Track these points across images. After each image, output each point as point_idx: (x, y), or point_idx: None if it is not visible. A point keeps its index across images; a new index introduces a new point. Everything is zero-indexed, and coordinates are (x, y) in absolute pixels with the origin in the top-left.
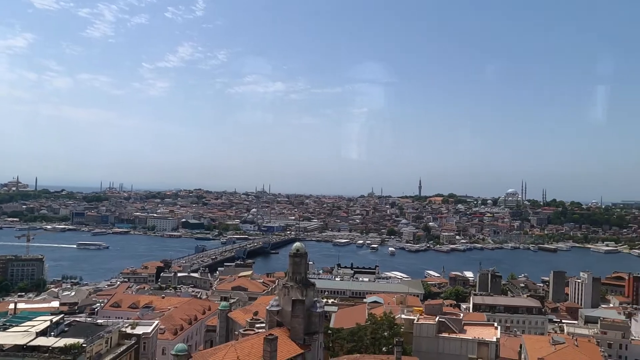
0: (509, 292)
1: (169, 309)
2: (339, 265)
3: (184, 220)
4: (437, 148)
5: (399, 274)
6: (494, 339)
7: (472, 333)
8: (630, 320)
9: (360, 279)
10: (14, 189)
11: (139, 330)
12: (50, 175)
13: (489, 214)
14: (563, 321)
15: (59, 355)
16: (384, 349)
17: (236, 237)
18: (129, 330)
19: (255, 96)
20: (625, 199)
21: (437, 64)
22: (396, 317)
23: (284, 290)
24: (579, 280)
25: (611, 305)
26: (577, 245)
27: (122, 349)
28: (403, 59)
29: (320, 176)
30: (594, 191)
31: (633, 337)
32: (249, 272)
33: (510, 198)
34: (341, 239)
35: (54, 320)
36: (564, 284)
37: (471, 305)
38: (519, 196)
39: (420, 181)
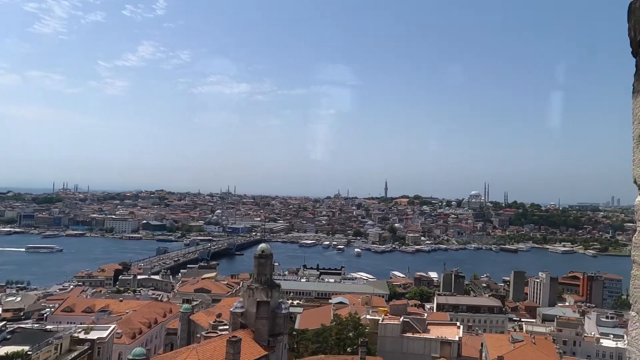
0: (471, 292)
1: (127, 313)
2: (304, 266)
3: (144, 221)
4: (403, 150)
5: (364, 275)
6: (457, 338)
7: (436, 332)
8: (584, 318)
9: (326, 279)
10: None
11: (94, 335)
12: None
13: (453, 216)
14: (522, 320)
15: None
16: (348, 349)
17: (200, 239)
18: (82, 336)
19: (220, 97)
20: (580, 202)
21: (402, 67)
22: (361, 317)
23: (248, 291)
24: (538, 280)
25: (567, 303)
26: (537, 246)
27: (73, 355)
28: (369, 61)
29: (287, 177)
30: (553, 193)
31: (586, 334)
32: (213, 274)
33: (473, 200)
34: (307, 240)
35: None
36: (524, 283)
37: (435, 305)
38: (482, 198)
39: (386, 183)
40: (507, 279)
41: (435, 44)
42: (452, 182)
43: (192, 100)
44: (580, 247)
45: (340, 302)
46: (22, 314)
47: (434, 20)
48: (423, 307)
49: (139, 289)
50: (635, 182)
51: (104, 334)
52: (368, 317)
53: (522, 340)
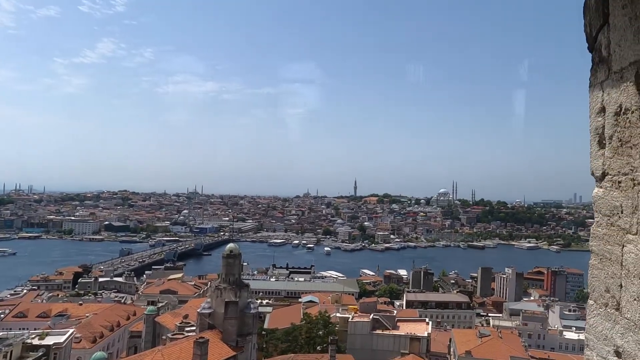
0: (440, 288)
1: (87, 316)
2: (274, 265)
3: (107, 223)
4: (372, 149)
5: (334, 273)
6: (425, 334)
7: (405, 329)
8: (548, 311)
9: (296, 278)
10: None
11: (49, 340)
12: None
13: (422, 214)
14: (489, 315)
15: None
16: (318, 347)
17: (166, 239)
18: (35, 342)
19: (186, 96)
20: (545, 199)
21: (370, 65)
22: (331, 315)
23: (216, 292)
24: (504, 276)
25: (532, 298)
26: (503, 242)
27: None
28: (337, 60)
29: (256, 177)
30: (518, 191)
31: (550, 327)
32: (180, 275)
33: (442, 198)
34: (277, 239)
35: None
36: (491, 279)
37: (404, 302)
38: (450, 196)
39: (355, 182)
40: (475, 275)
41: (402, 42)
42: (421, 180)
43: (157, 99)
44: (544, 243)
45: (310, 301)
46: None
47: (400, 18)
48: (393, 304)
49: (100, 291)
50: (592, 174)
51: (61, 339)
52: (338, 315)
53: (489, 335)
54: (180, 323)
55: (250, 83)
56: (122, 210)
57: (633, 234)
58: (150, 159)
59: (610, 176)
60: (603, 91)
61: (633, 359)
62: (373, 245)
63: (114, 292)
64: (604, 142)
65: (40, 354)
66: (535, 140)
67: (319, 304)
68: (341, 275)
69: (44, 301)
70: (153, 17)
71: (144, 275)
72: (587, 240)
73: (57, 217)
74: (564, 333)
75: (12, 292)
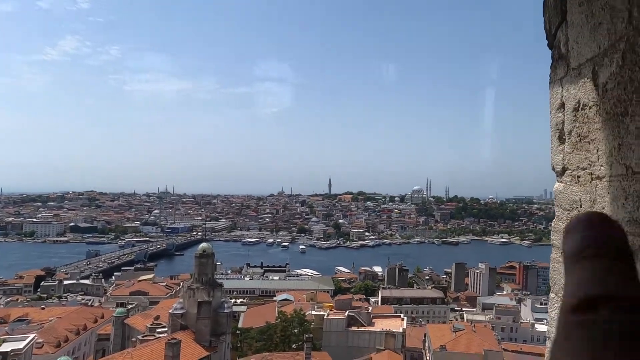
0: (415, 284)
1: (51, 320)
2: (248, 264)
3: (72, 224)
4: (346, 147)
5: (309, 271)
6: (401, 330)
7: (380, 325)
8: (520, 305)
9: (271, 277)
10: None
11: (7, 347)
12: None
13: (396, 211)
14: (463, 309)
15: None
16: (294, 345)
17: (136, 240)
18: None
19: (156, 95)
20: (516, 195)
21: (344, 65)
22: (306, 313)
23: (189, 292)
24: (478, 271)
25: (505, 292)
26: (476, 238)
27: None
28: (311, 59)
29: (229, 176)
30: (491, 188)
31: (522, 320)
32: (151, 276)
33: (416, 195)
34: (251, 238)
35: None
36: (465, 274)
37: (380, 299)
38: (424, 193)
39: (330, 179)
40: (449, 270)
41: (375, 41)
42: (395, 178)
43: (125, 97)
44: (516, 238)
45: (285, 299)
46: None
47: (374, 18)
48: (368, 301)
49: (65, 294)
50: (553, 169)
51: (21, 344)
52: (313, 312)
53: (464, 329)
54: (151, 324)
55: (223, 82)
56: (89, 211)
57: None
58: (119, 158)
59: (569, 171)
60: (562, 87)
61: None
62: (348, 242)
63: (81, 294)
64: (563, 137)
65: None
66: (507, 137)
67: (294, 302)
68: (316, 273)
69: (2, 306)
70: (120, 14)
71: (113, 277)
72: None
73: (17, 219)
74: (536, 326)
75: None
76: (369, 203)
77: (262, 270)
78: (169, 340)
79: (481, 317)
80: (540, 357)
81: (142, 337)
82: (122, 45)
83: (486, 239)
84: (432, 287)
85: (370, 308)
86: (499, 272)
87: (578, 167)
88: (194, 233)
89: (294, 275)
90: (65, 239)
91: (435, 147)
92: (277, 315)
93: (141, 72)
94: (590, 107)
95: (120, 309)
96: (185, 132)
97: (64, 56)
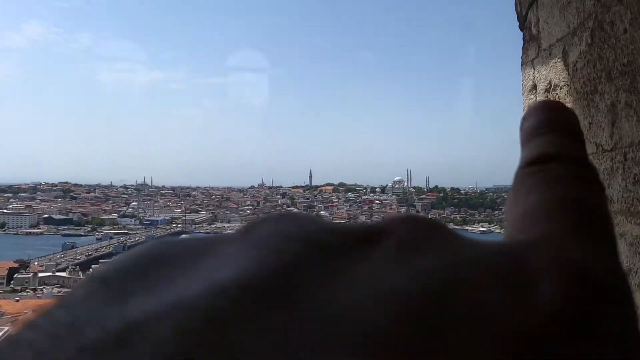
0: None
1: (26, 313)
2: None
3: (46, 216)
4: (327, 138)
5: None
6: None
7: None
8: None
9: None
10: None
11: None
12: None
13: (377, 202)
14: None
15: None
16: None
17: (114, 232)
18: None
19: (131, 84)
20: (496, 184)
21: (322, 54)
22: None
23: None
24: None
25: None
26: (457, 227)
27: None
28: (289, 49)
29: (208, 167)
30: (471, 177)
31: None
32: None
33: (397, 186)
34: (232, 230)
35: None
36: None
37: None
38: (405, 184)
39: (310, 171)
40: None
41: (354, 30)
42: (375, 169)
43: (97, 86)
44: (496, 226)
45: None
46: None
47: (351, 5)
48: None
49: (40, 287)
50: None
51: None
52: None
53: None
54: None
55: (199, 72)
56: (64, 202)
57: None
58: (94, 149)
59: None
60: (534, 69)
61: None
62: None
63: (57, 287)
64: None
65: None
66: (485, 126)
67: None
68: None
69: None
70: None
71: (91, 270)
72: None
73: None
74: None
75: None
76: (350, 194)
77: None
78: None
79: None
80: None
81: None
82: (94, 32)
83: (467, 228)
84: None
85: None
86: None
87: None
88: (174, 225)
89: None
90: (39, 230)
91: (415, 137)
92: None
93: (113, 61)
94: (561, 88)
95: None
96: (162, 122)
97: (28, 42)
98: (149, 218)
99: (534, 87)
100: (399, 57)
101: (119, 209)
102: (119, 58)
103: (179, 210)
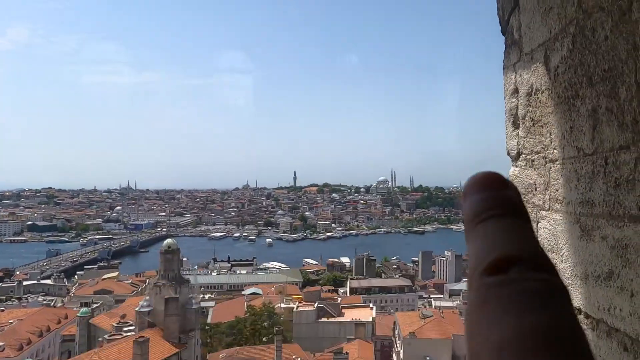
0: (382, 274)
1: (12, 323)
2: (215, 259)
3: (30, 223)
4: (311, 139)
5: (277, 264)
6: (370, 319)
7: (350, 315)
8: None
9: (238, 271)
10: None
11: None
12: None
13: (362, 202)
14: (431, 296)
15: None
16: (264, 339)
17: (99, 238)
18: None
19: (116, 87)
20: None
21: (305, 56)
22: (276, 306)
23: (155, 289)
24: (444, 258)
25: None
26: (442, 226)
27: None
28: (272, 50)
29: (192, 170)
30: (455, 176)
31: None
32: (115, 274)
33: (381, 186)
34: (217, 232)
35: None
36: (431, 262)
37: (348, 289)
38: (389, 183)
39: (295, 172)
40: (416, 259)
41: (335, 30)
42: (360, 169)
43: (83, 90)
44: None
45: (254, 293)
46: None
47: (334, 7)
48: (337, 291)
49: (25, 295)
50: (508, 154)
51: None
52: (282, 305)
53: (432, 316)
54: (117, 323)
55: (184, 74)
56: (48, 208)
57: (546, 210)
58: (78, 154)
59: (524, 155)
60: (516, 73)
61: None
62: (315, 234)
63: (42, 295)
64: (517, 122)
65: None
66: (467, 126)
67: (262, 295)
68: (284, 265)
69: None
70: (74, 2)
71: (76, 276)
72: None
73: None
74: None
75: None
76: (334, 195)
77: (230, 265)
78: (136, 338)
79: (449, 304)
80: None
81: (109, 336)
82: (79, 35)
83: (451, 227)
84: (399, 276)
85: (340, 299)
86: (465, 259)
87: (532, 151)
88: (159, 229)
89: (261, 269)
90: (23, 238)
91: (399, 137)
92: (246, 309)
93: (99, 64)
94: (542, 92)
95: (84, 309)
96: (146, 125)
97: (13, 45)
98: (134, 222)
99: (516, 90)
100: (383, 59)
101: (103, 214)
102: (103, 60)
103: (164, 213)
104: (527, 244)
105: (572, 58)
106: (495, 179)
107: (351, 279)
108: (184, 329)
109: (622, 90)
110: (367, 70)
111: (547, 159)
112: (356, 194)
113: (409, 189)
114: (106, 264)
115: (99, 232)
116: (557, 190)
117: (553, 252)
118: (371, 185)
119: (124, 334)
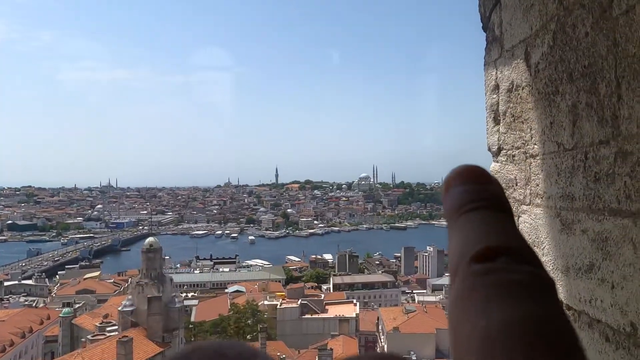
0: (365, 270)
1: None
2: (197, 257)
3: (10, 222)
4: (292, 136)
5: (260, 262)
6: (354, 315)
7: (334, 311)
8: None
9: (221, 269)
10: None
11: None
12: None
13: (344, 198)
14: (414, 291)
15: None
16: (248, 336)
17: (79, 237)
18: None
19: (93, 83)
20: None
21: (286, 52)
22: (259, 304)
23: (138, 288)
24: (426, 254)
25: None
26: (424, 222)
27: None
28: (253, 47)
29: (174, 167)
30: (437, 172)
31: None
32: (97, 273)
33: (363, 182)
34: (199, 230)
35: None
36: (414, 258)
37: (331, 286)
38: (371, 180)
39: (276, 169)
40: (398, 255)
41: (316, 26)
42: (341, 166)
43: (59, 86)
44: None
45: (237, 291)
46: None
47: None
48: (320, 288)
49: (6, 297)
50: (489, 150)
51: None
52: (266, 303)
53: (415, 311)
54: (100, 323)
55: (162, 71)
56: (27, 207)
57: (527, 205)
58: (57, 151)
59: (505, 151)
60: (497, 69)
61: None
62: (297, 231)
63: (24, 296)
64: (498, 118)
65: None
66: (448, 122)
67: (246, 293)
68: (267, 263)
69: None
70: None
71: (57, 276)
72: None
73: None
74: None
75: None
76: (316, 191)
77: (212, 263)
78: (120, 338)
79: (432, 298)
80: None
81: (92, 337)
82: (55, 30)
83: (433, 222)
84: (382, 272)
85: (323, 295)
86: (447, 254)
87: (513, 146)
88: (140, 227)
89: (244, 267)
90: (3, 237)
91: (381, 134)
92: (229, 307)
93: (75, 60)
94: (523, 88)
95: (66, 309)
96: (126, 122)
97: None
98: (115, 221)
99: (497, 87)
100: (364, 55)
101: (84, 213)
102: (80, 56)
103: (145, 212)
104: (513, 236)
105: (553, 54)
106: (479, 172)
107: (334, 275)
108: (167, 328)
109: (602, 86)
110: (348, 67)
111: (527, 154)
112: (338, 191)
113: (391, 185)
114: (88, 263)
115: (79, 231)
116: (538, 185)
117: (534, 246)
118: (353, 181)
119: (107, 334)
